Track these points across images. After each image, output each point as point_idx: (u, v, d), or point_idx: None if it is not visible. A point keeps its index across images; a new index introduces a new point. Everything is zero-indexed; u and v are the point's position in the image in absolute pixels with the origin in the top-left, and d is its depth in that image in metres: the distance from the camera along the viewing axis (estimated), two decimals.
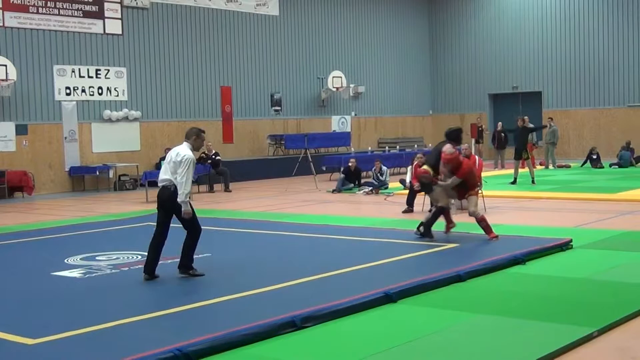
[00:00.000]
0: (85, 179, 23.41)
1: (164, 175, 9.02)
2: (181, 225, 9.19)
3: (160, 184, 9.11)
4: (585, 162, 26.56)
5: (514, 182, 20.08)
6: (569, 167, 26.35)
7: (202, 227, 9.38)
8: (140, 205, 18.40)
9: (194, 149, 9.19)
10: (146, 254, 9.29)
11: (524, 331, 6.53)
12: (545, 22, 32.85)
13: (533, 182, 19.95)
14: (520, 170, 21.00)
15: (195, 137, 9.22)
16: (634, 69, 30.86)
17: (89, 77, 23.43)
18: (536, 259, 9.64)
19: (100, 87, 23.69)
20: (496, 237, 10.97)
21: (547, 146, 26.96)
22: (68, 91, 22.99)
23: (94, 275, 9.38)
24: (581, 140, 31.86)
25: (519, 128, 21.29)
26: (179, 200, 8.83)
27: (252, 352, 6.11)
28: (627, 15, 30.97)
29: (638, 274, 8.72)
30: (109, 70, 23.88)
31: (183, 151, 8.97)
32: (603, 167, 25.62)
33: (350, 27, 32.07)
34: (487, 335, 6.47)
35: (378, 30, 33.38)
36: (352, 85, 31.09)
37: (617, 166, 25.61)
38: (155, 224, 9.28)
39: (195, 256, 9.71)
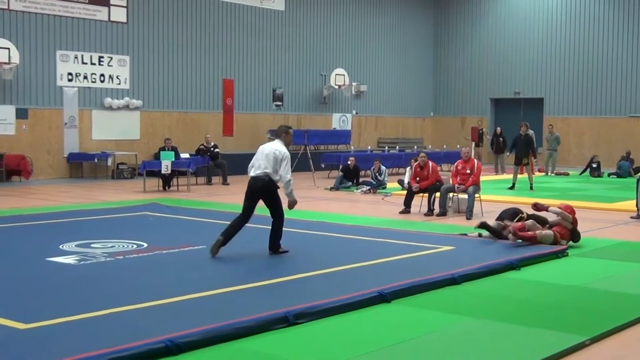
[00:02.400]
0: (84, 165, 23.37)
1: (261, 168, 9.84)
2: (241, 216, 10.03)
3: (253, 174, 9.93)
4: (585, 170, 26.55)
5: (512, 188, 20.08)
6: (567, 174, 26.34)
7: (198, 219, 9.52)
8: (138, 195, 18.38)
9: (286, 145, 10.06)
10: (143, 243, 9.54)
11: (517, 337, 6.54)
12: (550, 29, 32.83)
13: (531, 188, 19.95)
14: (519, 176, 20.99)
15: (285, 134, 10.11)
16: (637, 79, 30.86)
17: (91, 63, 23.39)
18: (531, 265, 9.64)
19: (102, 75, 23.66)
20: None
21: (549, 152, 26.96)
22: (70, 77, 22.96)
23: (88, 262, 9.35)
24: (581, 148, 31.86)
25: (521, 135, 21.25)
26: (286, 193, 9.89)
27: (243, 346, 6.10)
28: (632, 25, 30.96)
29: (632, 283, 8.74)
30: (112, 57, 23.85)
31: (280, 148, 9.90)
32: (602, 176, 25.63)
33: (355, 26, 32.04)
34: (480, 340, 6.47)
35: (383, 30, 33.36)
36: (354, 84, 31.07)
37: (615, 176, 25.60)
38: (242, 208, 10.06)
39: (190, 248, 10.08)
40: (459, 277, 8.55)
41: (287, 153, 9.93)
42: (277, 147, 9.94)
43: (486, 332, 6.66)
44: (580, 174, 26.31)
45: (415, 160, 17.92)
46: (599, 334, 6.56)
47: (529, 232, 10.86)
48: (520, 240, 10.89)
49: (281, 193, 10.09)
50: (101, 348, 5.64)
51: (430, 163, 15.41)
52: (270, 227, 10.04)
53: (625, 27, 31.15)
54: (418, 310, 7.35)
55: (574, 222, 11.13)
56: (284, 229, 10.12)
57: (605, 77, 31.54)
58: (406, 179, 18.74)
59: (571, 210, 11.29)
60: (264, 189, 9.88)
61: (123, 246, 10.52)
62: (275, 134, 10.17)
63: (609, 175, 25.80)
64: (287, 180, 9.81)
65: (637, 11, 30.85)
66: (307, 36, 29.97)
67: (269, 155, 9.85)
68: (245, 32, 27.71)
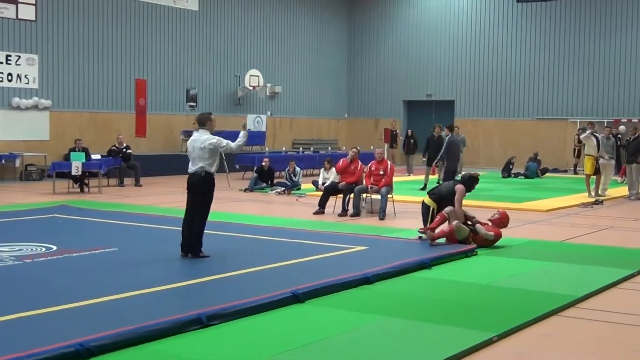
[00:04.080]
0: None
1: (196, 164, 9.85)
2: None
3: (190, 171, 9.96)
4: (508, 172, 26.76)
5: (423, 188, 20.41)
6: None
7: (110, 221, 9.39)
8: (47, 197, 17.97)
9: (211, 132, 10.00)
10: (52, 246, 9.59)
11: (428, 334, 6.68)
12: (461, 33, 33.58)
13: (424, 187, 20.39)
14: (430, 176, 21.35)
15: (209, 122, 10.02)
16: (543, 83, 31.85)
17: None
18: (442, 264, 9.83)
19: (10, 74, 23.01)
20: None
21: None
22: None
23: None
24: (490, 149, 32.71)
25: (434, 136, 21.67)
26: (242, 141, 10.20)
27: (157, 348, 6.07)
28: (540, 30, 31.91)
29: (538, 281, 8.99)
30: (20, 56, 23.22)
31: (211, 138, 9.84)
32: (510, 177, 26.26)
33: (270, 27, 32.07)
34: (392, 338, 6.57)
35: (297, 31, 33.48)
36: (269, 85, 31.09)
37: (523, 177, 26.29)
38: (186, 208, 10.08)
39: (101, 250, 9.90)
40: (371, 276, 8.64)
41: (218, 138, 9.96)
42: (207, 138, 9.83)
43: (398, 331, 6.77)
44: (506, 176, 26.47)
45: (329, 162, 18.03)
46: (506, 331, 6.73)
47: (445, 230, 11.08)
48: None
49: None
50: (10, 353, 5.53)
51: (359, 161, 15.63)
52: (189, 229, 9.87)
53: (532, 33, 32.08)
54: (331, 310, 7.41)
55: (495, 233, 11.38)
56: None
57: (513, 80, 32.45)
58: (320, 180, 18.86)
59: (506, 219, 11.57)
60: (200, 185, 9.88)
61: (32, 249, 10.27)
62: (199, 123, 10.03)
63: (516, 176, 26.42)
64: (235, 145, 10.06)
65: (543, 18, 31.82)
66: (221, 37, 29.82)
67: (204, 148, 9.76)
68: (159, 32, 27.40)
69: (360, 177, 15.37)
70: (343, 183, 15.34)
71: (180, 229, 9.97)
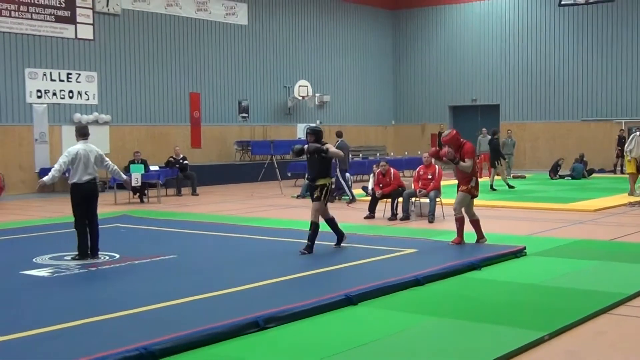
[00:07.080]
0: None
1: (92, 172, 10.35)
2: None
3: (87, 179, 10.32)
4: (556, 173, 26.65)
5: (493, 189, 20.71)
6: (524, 177, 26.87)
7: (169, 229, 9.74)
8: (109, 207, 18.40)
9: None
10: (115, 254, 10.01)
11: (478, 334, 6.73)
12: (505, 37, 33.50)
13: (492, 188, 20.55)
14: (485, 178, 21.53)
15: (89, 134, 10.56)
16: (588, 85, 31.62)
17: (60, 80, 23.47)
18: (491, 265, 9.87)
19: (71, 91, 23.74)
20: (459, 242, 11.33)
21: (507, 156, 27.53)
22: (39, 94, 23.00)
23: (62, 274, 9.44)
24: (536, 152, 32.59)
25: (493, 139, 22.09)
26: (123, 179, 11.16)
27: (215, 351, 6.22)
28: (583, 33, 31.68)
29: (587, 280, 9.00)
30: (80, 74, 23.94)
31: (97, 149, 10.53)
32: (557, 178, 26.16)
33: (317, 38, 32.38)
34: (443, 338, 6.66)
35: (343, 41, 33.73)
36: (317, 95, 31.42)
37: (570, 178, 26.15)
38: (78, 216, 10.43)
39: (161, 258, 10.27)
40: (422, 278, 8.73)
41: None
42: (95, 148, 10.48)
43: (449, 331, 6.86)
44: (554, 177, 26.40)
45: (377, 167, 18.24)
46: (557, 330, 6.76)
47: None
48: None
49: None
50: (77, 357, 5.75)
51: (392, 170, 15.77)
52: (87, 233, 10.40)
53: (574, 35, 31.92)
54: (384, 311, 7.51)
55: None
56: (252, 236, 10.21)
57: (558, 83, 32.29)
58: (370, 185, 19.03)
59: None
60: (97, 192, 10.53)
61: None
62: (83, 135, 10.49)
63: (563, 177, 26.29)
64: (115, 168, 10.80)
65: (586, 21, 31.62)
66: (270, 49, 30.23)
67: (97, 158, 10.43)
68: (210, 47, 27.93)
69: (397, 185, 15.52)
70: (380, 192, 15.51)
71: (78, 234, 10.44)
